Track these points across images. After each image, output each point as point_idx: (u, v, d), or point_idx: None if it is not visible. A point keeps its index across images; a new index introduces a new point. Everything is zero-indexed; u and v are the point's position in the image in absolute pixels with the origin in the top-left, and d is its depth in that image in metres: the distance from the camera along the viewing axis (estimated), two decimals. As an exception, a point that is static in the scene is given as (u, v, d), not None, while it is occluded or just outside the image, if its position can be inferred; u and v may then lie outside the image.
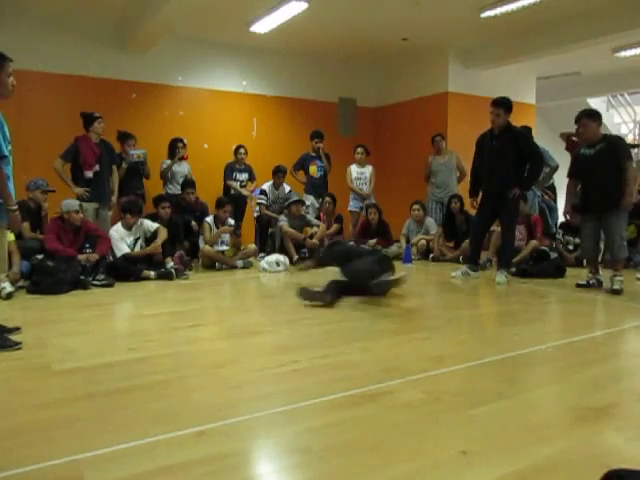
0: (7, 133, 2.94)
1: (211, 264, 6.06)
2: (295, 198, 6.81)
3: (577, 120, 4.81)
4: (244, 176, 7.24)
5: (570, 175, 5.07)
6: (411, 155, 8.60)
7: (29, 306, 4.07)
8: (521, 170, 5.19)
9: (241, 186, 7.20)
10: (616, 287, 4.59)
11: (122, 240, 5.39)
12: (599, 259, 5.17)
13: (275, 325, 3.59)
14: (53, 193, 5.56)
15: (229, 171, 7.16)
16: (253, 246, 6.54)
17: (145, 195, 6.53)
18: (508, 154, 5.09)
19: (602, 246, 5.26)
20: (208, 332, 3.49)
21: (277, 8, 6.37)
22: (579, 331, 3.34)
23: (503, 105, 5.11)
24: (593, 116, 4.76)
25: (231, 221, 6.18)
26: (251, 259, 6.06)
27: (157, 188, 6.80)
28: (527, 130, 6.37)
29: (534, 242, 6.03)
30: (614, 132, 10.81)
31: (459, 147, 7.60)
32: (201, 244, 6.16)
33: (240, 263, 5.98)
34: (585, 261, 6.13)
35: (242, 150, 7.17)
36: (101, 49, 7.25)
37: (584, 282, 4.92)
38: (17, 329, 3.19)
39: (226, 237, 6.22)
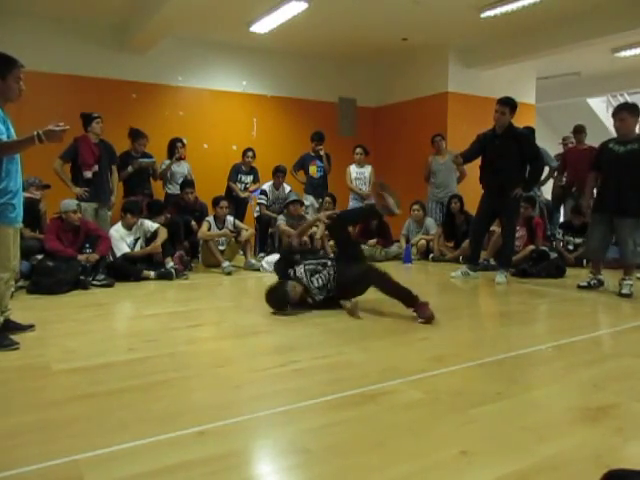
0: (11, 131, 2.95)
1: (211, 264, 6.06)
2: (293, 198, 6.82)
3: (615, 113, 4.55)
4: (249, 178, 7.24)
5: (594, 168, 4.80)
6: (411, 155, 8.60)
7: (29, 306, 4.07)
8: (523, 170, 5.18)
9: (245, 188, 7.21)
10: (625, 291, 4.48)
11: (122, 240, 5.38)
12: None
13: (275, 325, 3.59)
14: (53, 194, 5.56)
15: (234, 172, 7.16)
16: (250, 231, 6.44)
17: (153, 195, 6.55)
18: (510, 154, 5.08)
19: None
20: (208, 332, 3.49)
21: (277, 8, 6.37)
22: (579, 331, 3.34)
23: (509, 104, 5.08)
24: (633, 110, 4.47)
25: (230, 218, 6.17)
26: (233, 268, 5.85)
27: (157, 188, 6.80)
28: (530, 131, 6.36)
29: (531, 247, 6.01)
30: (614, 132, 10.79)
31: (459, 147, 7.54)
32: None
33: (226, 264, 5.78)
34: (586, 261, 6.14)
35: (250, 153, 7.17)
36: (101, 49, 7.25)
37: (585, 283, 4.85)
38: (31, 326, 3.27)
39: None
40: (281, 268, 4.19)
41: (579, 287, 4.85)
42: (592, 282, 4.83)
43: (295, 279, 3.91)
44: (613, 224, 4.59)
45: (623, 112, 4.48)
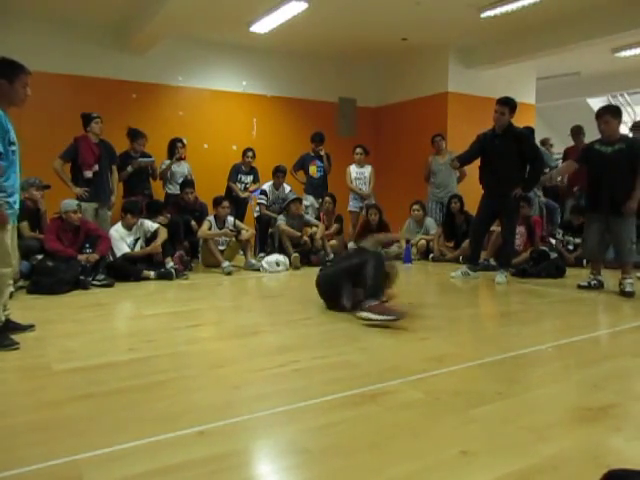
0: (11, 134, 2.96)
1: (211, 264, 6.05)
2: (292, 197, 6.82)
3: (599, 116, 4.63)
4: (249, 178, 7.24)
5: (578, 160, 4.90)
6: (411, 155, 8.60)
7: (29, 306, 4.07)
8: (522, 170, 5.18)
9: (245, 188, 7.21)
10: (628, 289, 4.49)
11: (122, 240, 5.38)
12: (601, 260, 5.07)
13: (275, 325, 3.59)
14: (53, 194, 5.55)
15: (234, 172, 7.17)
16: (250, 232, 6.43)
17: (152, 196, 6.55)
18: (510, 154, 5.08)
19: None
20: (208, 332, 3.49)
21: (277, 8, 6.37)
22: (579, 331, 3.34)
23: (508, 104, 5.08)
24: (615, 113, 4.61)
25: (230, 218, 6.17)
26: (233, 268, 5.85)
27: (157, 188, 6.80)
28: (530, 131, 6.36)
29: (532, 249, 6.00)
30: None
31: (459, 147, 7.55)
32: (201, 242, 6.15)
33: (226, 264, 5.78)
34: (586, 261, 6.13)
35: (250, 153, 7.18)
36: (101, 49, 7.25)
37: (585, 283, 4.86)
38: (31, 326, 3.27)
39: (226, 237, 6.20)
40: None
41: (579, 287, 4.85)
42: (592, 282, 4.83)
43: None
44: (608, 224, 4.63)
45: (607, 115, 4.58)
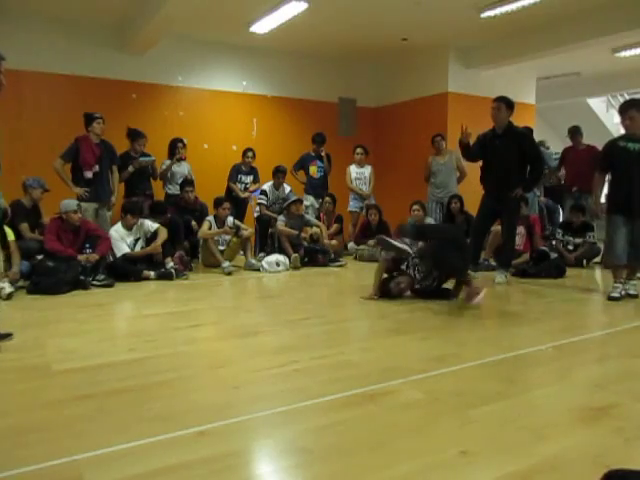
0: None
1: (211, 264, 6.05)
2: (293, 198, 6.82)
3: (622, 111, 4.37)
4: (249, 178, 7.24)
5: (603, 169, 4.60)
6: (411, 155, 8.60)
7: (29, 306, 4.07)
8: (523, 170, 5.18)
9: (245, 188, 7.21)
10: (632, 292, 4.45)
11: (122, 240, 5.38)
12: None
13: (275, 325, 3.59)
14: (53, 194, 5.54)
15: (234, 172, 7.16)
16: (250, 231, 6.43)
17: (154, 196, 6.54)
18: (511, 154, 5.06)
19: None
20: (208, 332, 3.49)
21: (277, 8, 6.37)
22: (579, 331, 3.34)
23: (503, 100, 5.07)
24: None
25: (230, 219, 6.17)
26: (233, 268, 5.84)
27: (157, 188, 6.80)
28: (529, 131, 6.36)
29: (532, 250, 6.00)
30: (614, 132, 10.82)
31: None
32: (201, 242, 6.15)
33: (226, 264, 5.77)
34: (586, 261, 6.11)
35: (250, 153, 7.17)
36: (101, 49, 7.25)
37: (617, 294, 4.38)
38: (9, 335, 3.05)
39: (226, 236, 6.20)
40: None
41: (610, 299, 4.36)
42: (622, 292, 4.45)
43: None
44: (633, 225, 4.41)
45: (632, 110, 4.32)
